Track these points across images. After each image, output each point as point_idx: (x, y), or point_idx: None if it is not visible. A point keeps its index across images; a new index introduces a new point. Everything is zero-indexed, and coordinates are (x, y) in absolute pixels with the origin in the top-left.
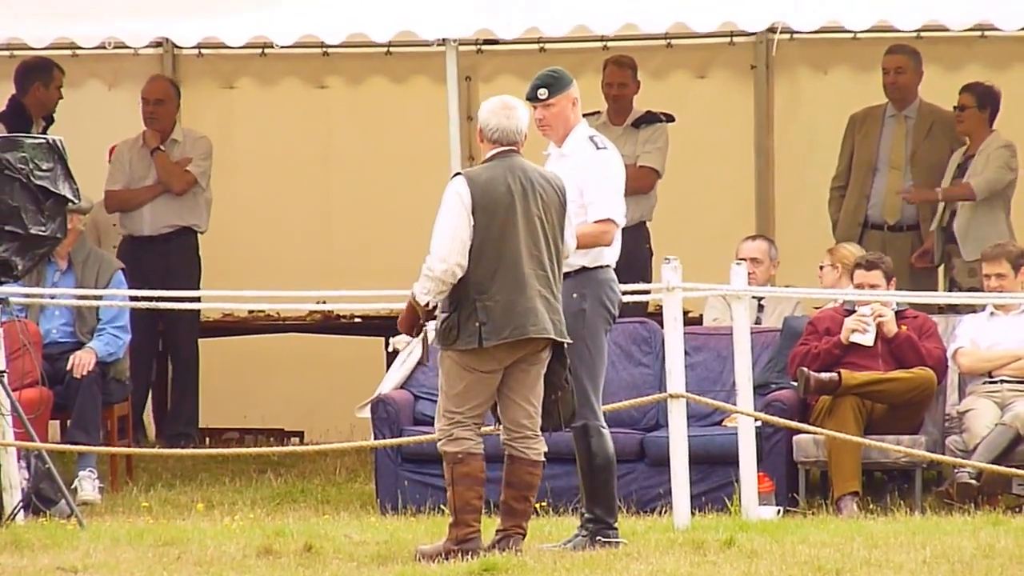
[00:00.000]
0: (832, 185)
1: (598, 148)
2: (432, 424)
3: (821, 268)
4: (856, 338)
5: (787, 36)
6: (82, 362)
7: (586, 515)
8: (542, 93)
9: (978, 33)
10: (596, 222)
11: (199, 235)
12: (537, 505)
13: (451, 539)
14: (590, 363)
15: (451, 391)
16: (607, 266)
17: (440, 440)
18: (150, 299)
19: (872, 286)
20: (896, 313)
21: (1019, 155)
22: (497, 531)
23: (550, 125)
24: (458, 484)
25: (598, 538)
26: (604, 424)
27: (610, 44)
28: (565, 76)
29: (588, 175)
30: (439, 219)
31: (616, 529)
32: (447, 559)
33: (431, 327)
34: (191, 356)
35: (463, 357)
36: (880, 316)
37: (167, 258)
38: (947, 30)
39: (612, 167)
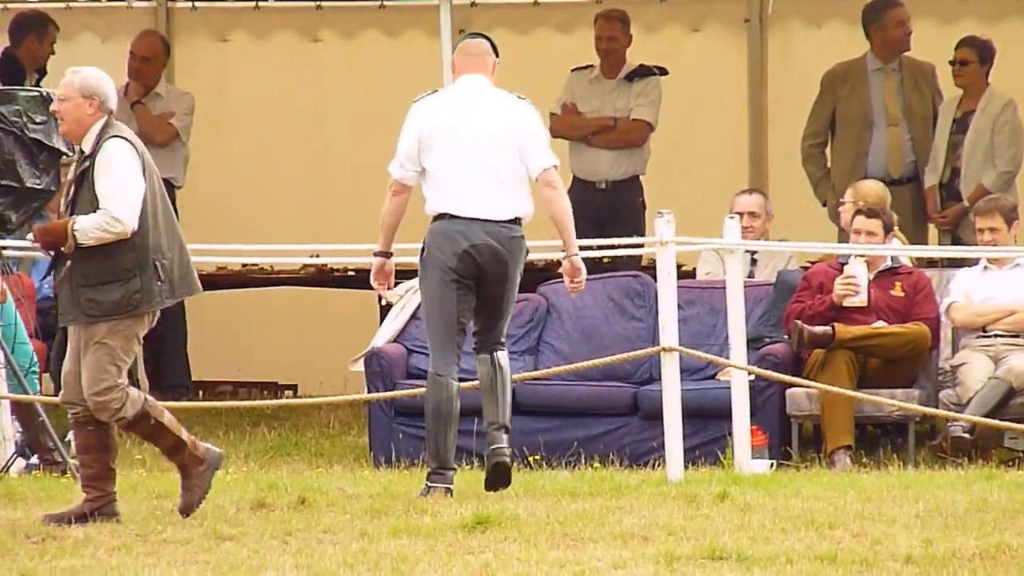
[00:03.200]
0: (809, 142)
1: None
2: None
3: (841, 204)
4: (849, 301)
5: None
6: None
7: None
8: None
9: None
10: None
11: (177, 190)
12: (530, 458)
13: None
14: (424, 313)
15: (121, 363)
16: (442, 215)
17: (123, 409)
18: None
19: (869, 233)
20: (890, 269)
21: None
22: (90, 500)
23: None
24: (165, 428)
25: (426, 483)
26: (441, 372)
27: None
28: None
29: None
30: (117, 180)
31: (443, 474)
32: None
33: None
34: (176, 309)
35: (136, 325)
36: (853, 289)
37: None
38: None
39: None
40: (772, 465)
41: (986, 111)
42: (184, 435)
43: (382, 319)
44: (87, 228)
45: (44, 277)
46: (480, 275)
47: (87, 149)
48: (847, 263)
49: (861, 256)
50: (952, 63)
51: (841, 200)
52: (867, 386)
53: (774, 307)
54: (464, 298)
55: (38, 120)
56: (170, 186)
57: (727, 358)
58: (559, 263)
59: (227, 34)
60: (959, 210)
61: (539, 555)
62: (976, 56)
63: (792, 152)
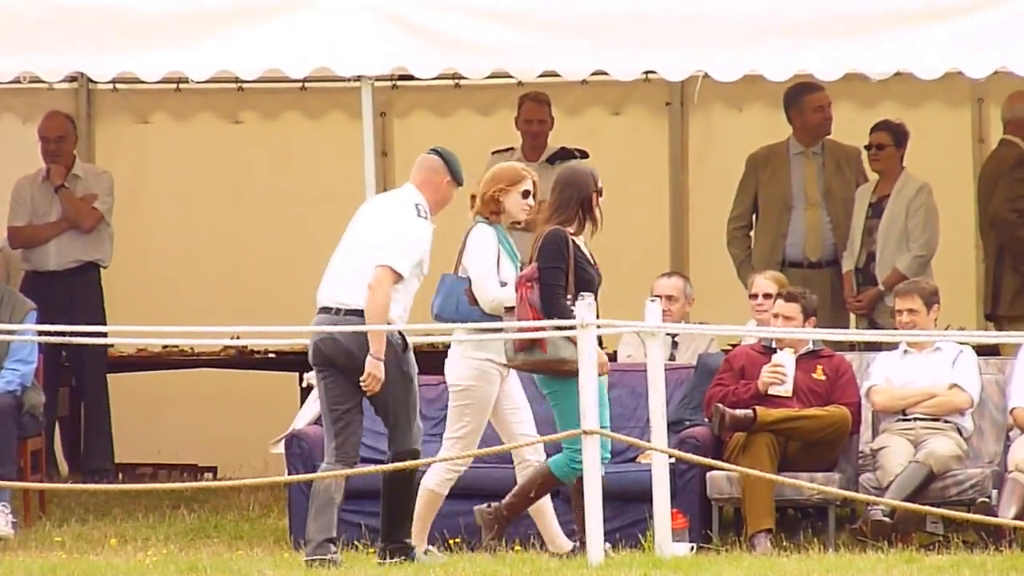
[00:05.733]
0: (734, 224)
1: None
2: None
3: (754, 297)
4: (774, 390)
5: (703, 72)
6: None
7: None
8: None
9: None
10: None
11: (102, 270)
12: (451, 541)
13: None
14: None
15: None
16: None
17: None
18: (63, 334)
19: (787, 318)
20: (812, 352)
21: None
22: None
23: None
24: None
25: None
26: None
27: (525, 80)
28: None
29: None
30: None
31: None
32: None
33: None
34: (100, 391)
35: None
36: (779, 378)
37: (72, 293)
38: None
39: None
40: (693, 548)
41: (901, 195)
42: None
43: (302, 401)
44: None
45: None
46: None
47: None
48: (772, 347)
49: (791, 348)
50: (868, 147)
51: (753, 293)
52: (788, 469)
53: (695, 390)
54: None
55: None
56: (96, 267)
57: (648, 441)
58: None
59: (148, 116)
60: (874, 294)
61: None
62: (891, 140)
63: (713, 235)
